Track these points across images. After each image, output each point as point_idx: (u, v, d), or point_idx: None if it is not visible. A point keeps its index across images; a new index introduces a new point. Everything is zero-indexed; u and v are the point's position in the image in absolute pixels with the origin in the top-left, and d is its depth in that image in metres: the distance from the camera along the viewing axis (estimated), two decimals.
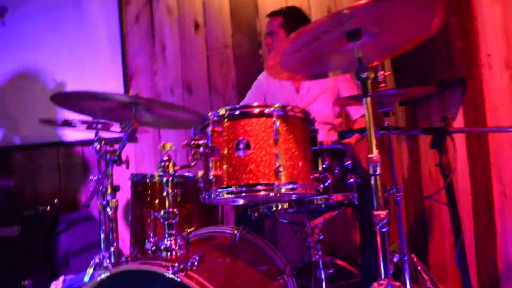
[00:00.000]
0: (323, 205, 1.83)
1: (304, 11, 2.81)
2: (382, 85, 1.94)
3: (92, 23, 3.41)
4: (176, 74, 3.36)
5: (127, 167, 1.96)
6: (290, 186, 1.49)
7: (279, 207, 1.83)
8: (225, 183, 1.49)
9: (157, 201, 2.15)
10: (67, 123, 2.32)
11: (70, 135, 3.33)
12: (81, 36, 3.40)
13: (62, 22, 3.43)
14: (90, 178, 2.26)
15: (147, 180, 2.20)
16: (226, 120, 1.52)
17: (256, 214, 1.89)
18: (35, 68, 3.40)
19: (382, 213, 1.39)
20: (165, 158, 1.54)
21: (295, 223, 2.00)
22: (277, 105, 1.54)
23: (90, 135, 2.40)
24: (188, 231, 1.79)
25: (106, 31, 3.39)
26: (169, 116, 2.02)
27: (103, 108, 1.94)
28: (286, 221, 2.05)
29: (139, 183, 2.23)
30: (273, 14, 2.74)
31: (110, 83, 3.33)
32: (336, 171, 1.78)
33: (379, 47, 1.68)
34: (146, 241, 1.62)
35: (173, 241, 1.46)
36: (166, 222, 1.50)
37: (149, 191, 2.20)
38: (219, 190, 1.49)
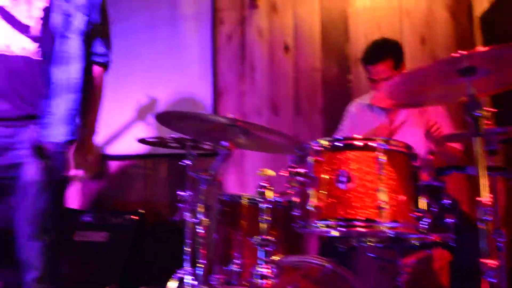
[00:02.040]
0: (417, 244, 1.75)
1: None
2: (488, 122, 1.83)
3: (185, 42, 3.54)
4: (263, 95, 3.39)
5: (220, 188, 2.00)
6: (391, 225, 1.43)
7: (371, 242, 1.77)
8: (323, 215, 1.46)
9: (244, 223, 2.15)
10: (164, 141, 2.41)
11: (159, 148, 3.44)
12: (173, 54, 3.54)
13: (157, 39, 3.58)
14: (180, 193, 2.32)
15: (236, 201, 2.20)
16: (328, 150, 1.50)
17: (344, 247, 1.84)
18: (129, 81, 3.56)
19: (493, 262, 1.30)
20: (264, 184, 1.54)
21: (385, 259, 1.92)
22: (381, 138, 1.49)
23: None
24: (276, 258, 1.77)
25: (198, 50, 3.50)
26: (264, 139, 2.02)
27: (200, 127, 2.00)
28: (375, 256, 1.98)
29: (227, 203, 2.24)
30: (380, 60, 2.52)
31: (198, 100, 3.42)
32: (434, 209, 1.70)
33: (489, 83, 1.59)
34: (231, 263, 1.63)
35: (268, 269, 1.45)
36: (261, 249, 1.49)
37: (236, 213, 2.20)
38: (317, 221, 1.46)
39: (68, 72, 1.82)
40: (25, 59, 1.72)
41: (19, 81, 1.72)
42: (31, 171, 1.65)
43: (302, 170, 1.51)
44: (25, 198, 1.65)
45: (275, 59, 3.41)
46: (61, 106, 1.77)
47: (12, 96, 1.70)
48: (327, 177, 1.47)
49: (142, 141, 2.47)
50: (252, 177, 3.28)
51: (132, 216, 3.06)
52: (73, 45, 1.82)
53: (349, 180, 1.45)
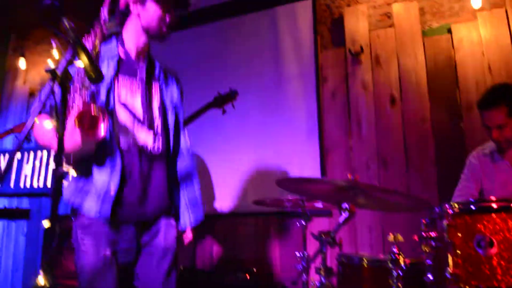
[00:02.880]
0: None
1: None
2: None
3: (290, 101, 3.65)
4: (371, 150, 3.34)
5: (340, 249, 1.98)
6: None
7: None
8: (463, 284, 1.37)
9: (366, 286, 2.09)
10: (280, 203, 2.47)
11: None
12: (280, 113, 3.65)
13: (265, 101, 3.74)
14: (297, 254, 2.33)
15: (356, 263, 2.16)
16: (462, 213, 1.43)
17: None
18: (239, 141, 3.73)
19: None
20: (395, 250, 1.50)
21: None
22: None
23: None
24: None
25: (303, 108, 3.58)
26: (385, 199, 1.98)
27: (317, 190, 2.02)
28: None
29: (347, 265, 2.20)
30: (494, 106, 2.41)
31: (306, 158, 3.46)
32: None
33: None
34: None
35: None
36: None
37: (356, 274, 2.15)
38: None
39: (187, 164, 1.98)
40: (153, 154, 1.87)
41: (156, 179, 1.86)
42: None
43: (434, 234, 1.44)
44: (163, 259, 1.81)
45: (381, 112, 3.38)
46: (186, 195, 1.97)
47: (156, 198, 1.84)
48: (464, 242, 1.40)
49: (258, 202, 2.54)
50: (363, 234, 3.20)
51: (243, 275, 3.11)
52: (184, 139, 2.01)
53: (490, 245, 1.36)
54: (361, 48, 3.49)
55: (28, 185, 4.85)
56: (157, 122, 1.88)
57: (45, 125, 1.57)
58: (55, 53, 1.69)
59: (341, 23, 3.69)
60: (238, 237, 3.64)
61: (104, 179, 1.70)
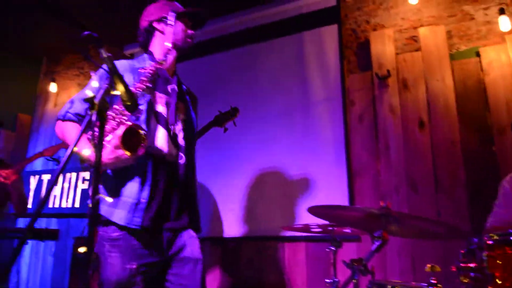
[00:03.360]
0: None
1: None
2: None
3: (317, 125, 3.65)
4: (400, 173, 3.29)
5: (373, 277, 1.94)
6: None
7: None
8: None
9: None
10: (308, 228, 2.45)
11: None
12: (307, 137, 3.65)
13: (292, 125, 3.74)
14: (327, 280, 2.31)
15: None
16: (502, 245, 1.39)
17: None
18: (267, 165, 3.74)
19: None
20: (434, 281, 1.46)
21: None
22: None
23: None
24: None
25: (330, 132, 3.58)
26: (417, 227, 1.95)
27: (349, 216, 2.00)
28: None
29: None
30: None
31: (333, 182, 3.44)
32: None
33: None
34: None
35: None
36: None
37: None
38: None
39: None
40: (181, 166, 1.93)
41: (186, 191, 1.92)
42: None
43: (473, 265, 1.41)
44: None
45: (410, 136, 3.34)
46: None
47: (184, 209, 1.89)
48: (506, 273, 1.36)
49: (287, 228, 2.52)
50: (392, 260, 3.13)
51: None
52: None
53: None
54: (388, 72, 3.49)
55: (56, 206, 4.94)
56: (183, 135, 1.96)
57: (84, 153, 1.62)
58: (94, 82, 1.73)
59: (367, 47, 3.70)
60: (264, 261, 3.61)
61: (135, 190, 1.74)
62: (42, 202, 1.38)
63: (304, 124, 3.70)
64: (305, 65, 3.87)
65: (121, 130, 1.60)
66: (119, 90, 1.57)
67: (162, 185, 1.81)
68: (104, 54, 1.56)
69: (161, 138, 1.85)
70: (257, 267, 3.62)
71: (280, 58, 4.00)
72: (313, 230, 2.51)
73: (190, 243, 1.90)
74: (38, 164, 5.16)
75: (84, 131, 1.45)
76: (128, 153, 1.59)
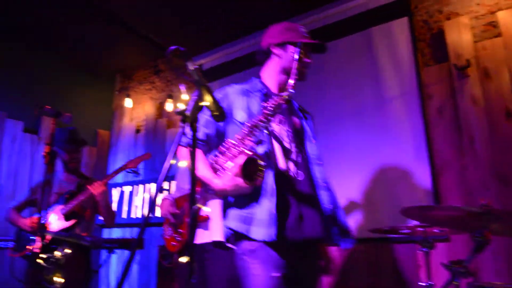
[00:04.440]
0: None
1: None
2: None
3: (393, 121, 3.53)
4: (488, 167, 3.10)
5: (476, 279, 1.84)
6: None
7: None
8: None
9: None
10: (396, 229, 2.38)
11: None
12: (383, 136, 3.55)
13: (365, 125, 3.66)
14: (421, 283, 2.22)
15: None
16: None
17: None
18: (342, 168, 3.67)
19: None
20: None
21: None
22: None
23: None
24: None
25: (408, 128, 3.45)
26: None
27: (445, 216, 1.91)
28: None
29: None
30: None
31: (415, 179, 3.32)
32: None
33: None
34: None
35: None
36: None
37: None
38: None
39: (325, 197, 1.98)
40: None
41: (311, 205, 1.90)
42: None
43: None
44: None
45: (496, 127, 3.15)
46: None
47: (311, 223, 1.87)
48: None
49: (374, 231, 2.46)
50: (486, 260, 2.96)
51: None
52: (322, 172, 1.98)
53: None
54: (468, 61, 3.31)
55: (139, 216, 5.17)
56: (298, 151, 1.94)
57: (181, 165, 1.68)
58: (184, 95, 1.77)
59: (442, 37, 3.54)
60: (347, 264, 3.54)
61: (266, 205, 1.75)
62: (147, 213, 1.44)
63: (378, 122, 3.60)
64: (375, 62, 3.77)
65: (241, 159, 1.66)
66: (207, 101, 1.61)
67: (288, 201, 1.81)
68: (191, 67, 1.60)
69: (278, 157, 1.86)
70: (341, 270, 3.55)
71: (348, 56, 3.93)
72: (401, 232, 2.43)
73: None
74: (119, 176, 5.42)
75: (179, 145, 1.52)
76: (247, 182, 1.65)
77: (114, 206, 5.36)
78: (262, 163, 1.67)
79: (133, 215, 5.22)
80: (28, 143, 5.47)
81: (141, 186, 5.23)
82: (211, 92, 1.61)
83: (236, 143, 1.74)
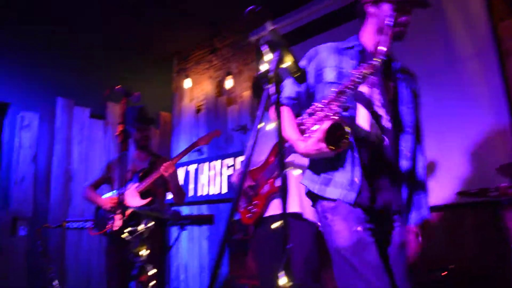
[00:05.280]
0: None
1: None
2: None
3: (467, 82, 3.34)
4: None
5: None
6: None
7: None
8: None
9: None
10: (484, 192, 2.25)
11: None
12: (456, 96, 3.37)
13: (438, 85, 3.46)
14: None
15: None
16: None
17: None
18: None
19: None
20: None
21: None
22: None
23: None
24: None
25: (486, 86, 3.24)
26: None
27: None
28: None
29: None
30: None
31: (497, 144, 3.10)
32: None
33: None
34: None
35: None
36: None
37: None
38: None
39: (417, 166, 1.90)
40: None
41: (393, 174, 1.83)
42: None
43: None
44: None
45: None
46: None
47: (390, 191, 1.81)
48: None
49: (462, 193, 2.34)
50: None
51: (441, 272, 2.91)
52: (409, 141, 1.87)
53: None
54: None
55: (204, 193, 5.25)
56: (388, 117, 1.83)
57: (267, 128, 1.65)
58: (267, 57, 1.70)
59: None
60: (426, 232, 3.41)
61: (346, 169, 1.72)
62: (238, 191, 1.45)
63: (453, 84, 3.40)
64: (444, 21, 3.55)
65: (326, 125, 1.61)
66: (288, 61, 1.56)
67: (369, 167, 1.75)
68: (270, 27, 1.56)
69: (362, 119, 1.78)
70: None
71: (415, 17, 3.71)
72: (490, 194, 2.29)
73: (398, 227, 1.83)
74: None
75: (266, 106, 1.48)
76: (330, 148, 1.60)
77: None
78: (347, 129, 1.61)
79: (200, 193, 5.31)
80: (96, 128, 5.68)
81: (206, 164, 5.30)
82: (291, 53, 1.56)
83: (323, 107, 1.68)
